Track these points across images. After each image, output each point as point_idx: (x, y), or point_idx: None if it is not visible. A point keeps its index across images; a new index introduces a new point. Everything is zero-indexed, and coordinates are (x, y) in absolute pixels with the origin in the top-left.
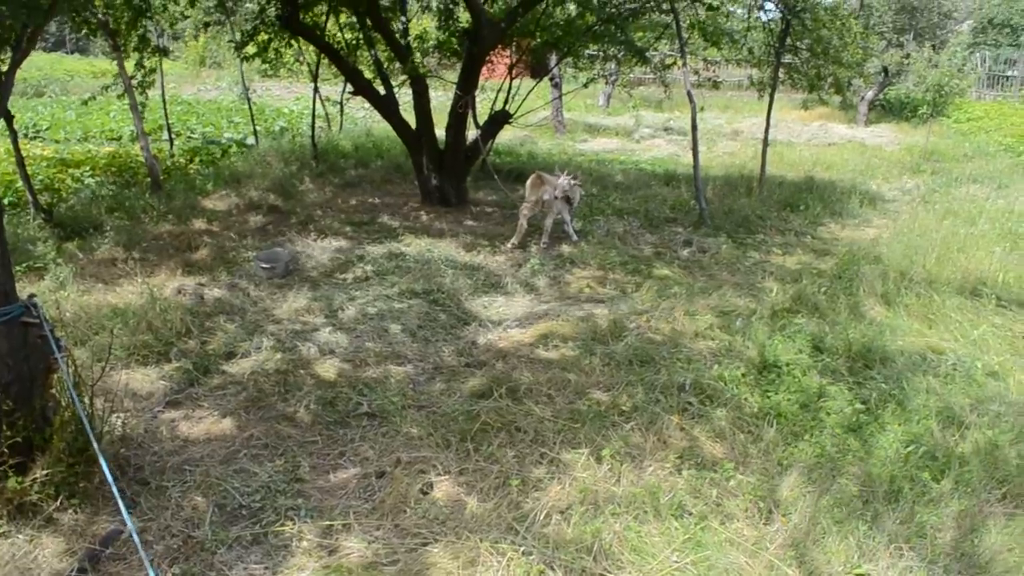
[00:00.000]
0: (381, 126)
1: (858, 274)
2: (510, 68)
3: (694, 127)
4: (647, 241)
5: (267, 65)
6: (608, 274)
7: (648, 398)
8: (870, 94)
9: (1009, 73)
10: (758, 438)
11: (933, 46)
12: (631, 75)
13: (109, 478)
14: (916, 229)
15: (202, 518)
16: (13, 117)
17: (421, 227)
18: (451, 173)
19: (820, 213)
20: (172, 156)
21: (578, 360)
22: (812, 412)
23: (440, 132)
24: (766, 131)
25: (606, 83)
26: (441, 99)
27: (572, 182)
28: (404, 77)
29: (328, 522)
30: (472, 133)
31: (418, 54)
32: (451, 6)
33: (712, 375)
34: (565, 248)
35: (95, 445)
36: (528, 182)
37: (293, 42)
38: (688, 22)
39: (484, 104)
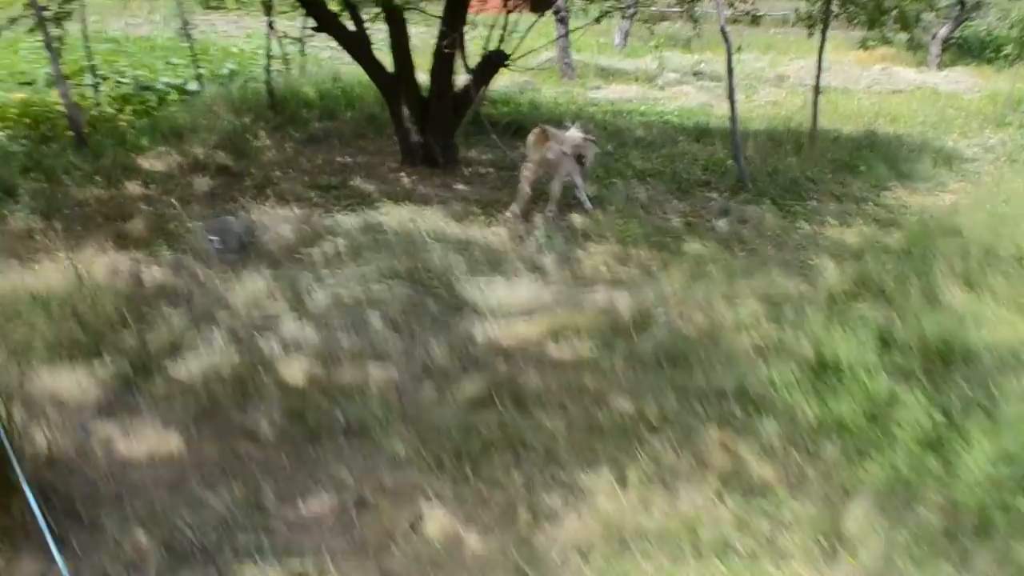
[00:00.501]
0: (351, 68)
1: (933, 250)
2: None
3: (730, 71)
4: (675, 209)
5: None
6: (629, 250)
7: (682, 407)
8: (943, 31)
9: None
10: (816, 457)
11: None
12: (653, 8)
13: (36, 510)
14: (1002, 194)
15: (146, 559)
16: None
17: (402, 192)
18: (437, 127)
19: (884, 175)
20: (98, 105)
21: (596, 360)
22: (881, 424)
23: (423, 77)
24: (817, 76)
25: (622, 18)
26: (423, 36)
27: (584, 137)
28: (377, 10)
29: (298, 564)
30: (462, 78)
31: None
32: None
33: (759, 378)
34: (577, 218)
35: (17, 469)
36: (530, 137)
37: None
38: None
39: (475, 43)
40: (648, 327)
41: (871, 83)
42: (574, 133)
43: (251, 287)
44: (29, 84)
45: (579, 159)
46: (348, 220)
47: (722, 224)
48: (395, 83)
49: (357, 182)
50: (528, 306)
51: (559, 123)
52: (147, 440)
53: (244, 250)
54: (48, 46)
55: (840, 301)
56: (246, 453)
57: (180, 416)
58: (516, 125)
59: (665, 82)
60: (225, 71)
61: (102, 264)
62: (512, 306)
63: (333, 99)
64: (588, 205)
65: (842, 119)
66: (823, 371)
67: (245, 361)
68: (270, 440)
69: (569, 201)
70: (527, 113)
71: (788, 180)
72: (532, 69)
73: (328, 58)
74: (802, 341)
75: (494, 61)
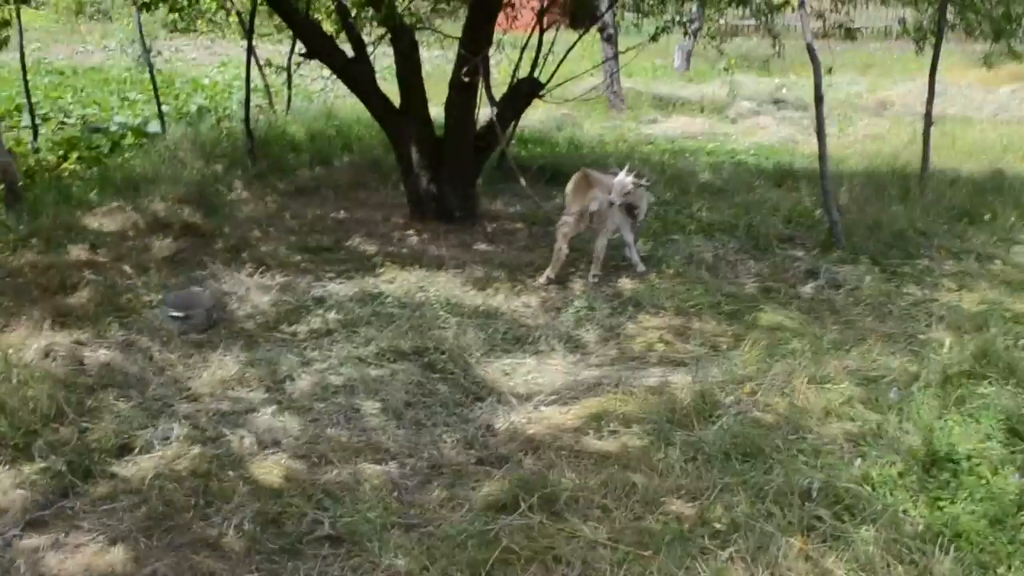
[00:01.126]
0: (349, 103)
1: None
2: (540, 13)
3: (819, 99)
4: (750, 271)
5: (177, 15)
6: (692, 322)
7: (755, 511)
8: None
9: None
10: (927, 572)
11: None
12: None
13: None
14: None
15: None
16: None
17: (410, 254)
18: (454, 173)
19: (1015, 225)
20: (37, 151)
21: (647, 453)
22: (1009, 531)
23: (437, 112)
24: (929, 102)
25: (684, 35)
26: (438, 61)
27: (636, 183)
28: (381, 30)
29: None
30: (485, 113)
31: None
32: None
33: (853, 475)
34: (626, 283)
35: None
36: (569, 185)
37: None
38: None
39: (502, 69)
40: (714, 414)
41: (997, 110)
42: (623, 178)
43: (220, 372)
44: None
45: (630, 210)
46: (343, 289)
47: (809, 289)
48: (403, 120)
49: (355, 242)
50: (563, 390)
51: (605, 166)
52: (84, 554)
53: (213, 327)
54: None
55: (957, 382)
56: (208, 569)
57: (127, 524)
58: (552, 170)
59: (738, 113)
60: (193, 108)
61: (36, 346)
62: (543, 390)
63: (326, 141)
64: (640, 267)
65: (961, 156)
66: (934, 466)
67: (210, 458)
68: (238, 552)
69: (617, 262)
70: (565, 155)
71: (892, 234)
72: (572, 100)
73: (321, 90)
74: (908, 430)
75: (525, 91)
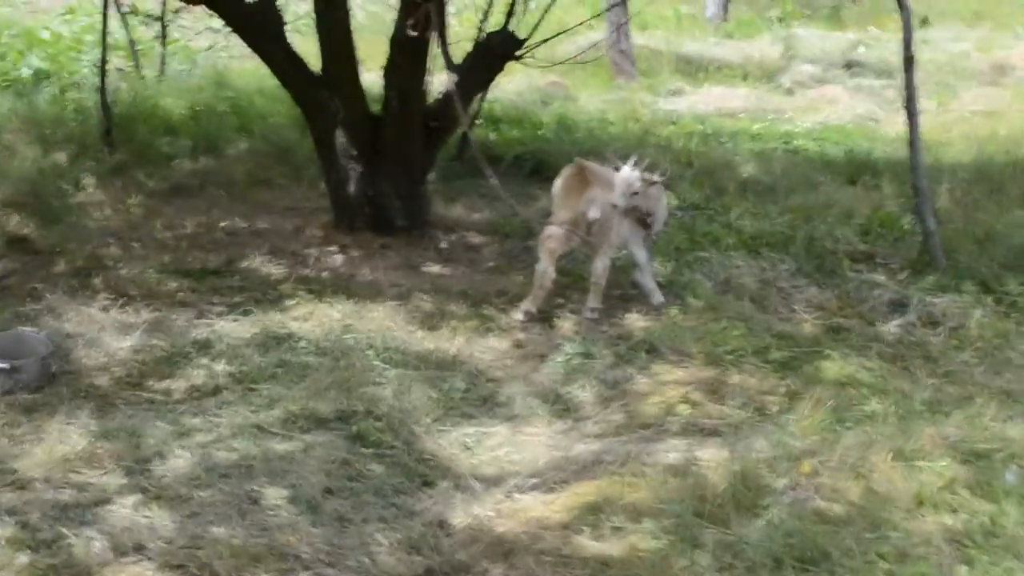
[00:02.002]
0: (248, 68)
1: None
2: None
3: (909, 60)
4: (811, 303)
5: None
6: (728, 375)
7: None
8: None
9: None
10: None
11: None
12: None
13: None
14: None
15: None
16: None
17: (332, 280)
18: (396, 165)
19: None
20: None
21: (665, 560)
22: None
23: (373, 79)
24: None
25: None
26: (374, 8)
27: (650, 179)
28: None
29: None
30: (440, 81)
31: None
32: None
33: None
34: (637, 320)
35: None
36: (559, 182)
37: None
38: None
39: (465, 19)
40: (759, 504)
41: None
42: (631, 173)
43: (61, 447)
44: None
45: (642, 219)
46: (237, 329)
47: (894, 328)
48: (324, 91)
49: (255, 263)
50: (547, 471)
51: (604, 158)
52: None
53: (50, 383)
54: None
55: None
56: None
57: None
58: (534, 161)
59: (795, 81)
60: (26, 72)
61: None
62: (519, 471)
63: (216, 120)
64: (656, 297)
65: None
66: None
67: (43, 570)
68: None
69: (623, 291)
70: (553, 140)
71: (1011, 250)
72: (563, 63)
73: (209, 49)
74: None
75: (496, 51)
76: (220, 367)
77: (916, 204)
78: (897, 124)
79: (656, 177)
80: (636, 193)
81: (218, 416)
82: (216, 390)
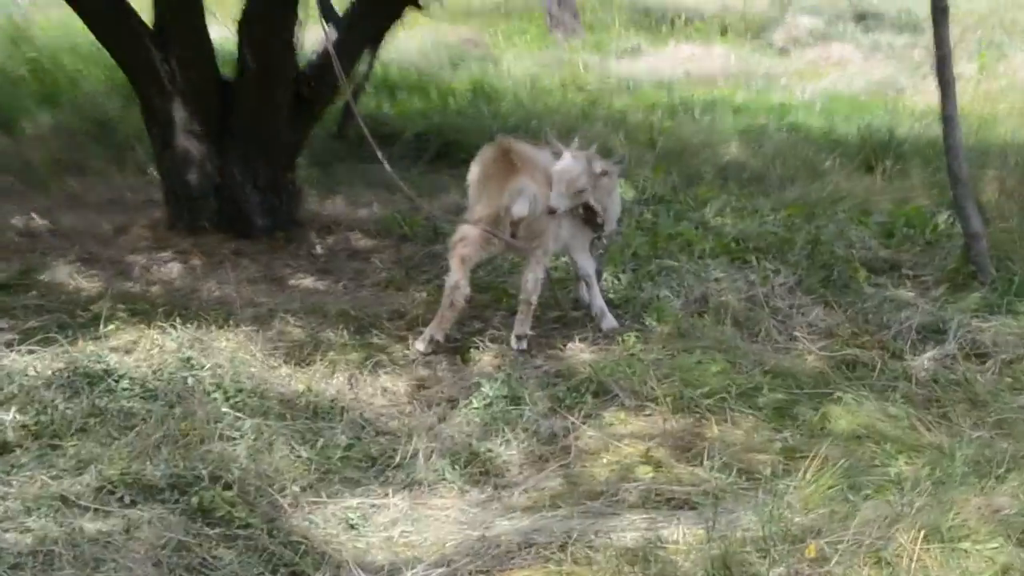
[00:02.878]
0: (56, 18)
1: None
2: None
3: (940, 10)
4: (816, 327)
5: None
6: (704, 426)
7: None
8: None
9: None
10: None
11: None
12: None
13: None
14: None
15: None
16: None
17: (165, 298)
18: (254, 144)
19: None
20: None
21: None
22: None
23: (224, 34)
24: None
25: None
26: None
27: (595, 164)
28: None
29: None
30: (315, 36)
31: None
32: None
33: None
34: (581, 351)
35: None
36: (475, 168)
37: None
38: None
39: None
40: None
41: None
42: (574, 163)
43: None
44: None
45: (589, 216)
46: (33, 363)
47: (927, 362)
48: (156, 48)
49: (59, 274)
50: (459, 556)
51: (545, 137)
52: None
53: None
54: None
55: None
56: None
57: None
58: (441, 140)
59: (791, 37)
60: None
61: None
62: (422, 558)
63: (8, 88)
64: (607, 321)
65: None
66: None
67: None
68: None
69: (562, 312)
70: (468, 113)
71: None
72: (481, 14)
73: None
74: None
75: None
76: (9, 416)
77: (953, 197)
78: (926, 94)
79: (609, 166)
80: (582, 191)
81: (6, 484)
82: (4, 448)
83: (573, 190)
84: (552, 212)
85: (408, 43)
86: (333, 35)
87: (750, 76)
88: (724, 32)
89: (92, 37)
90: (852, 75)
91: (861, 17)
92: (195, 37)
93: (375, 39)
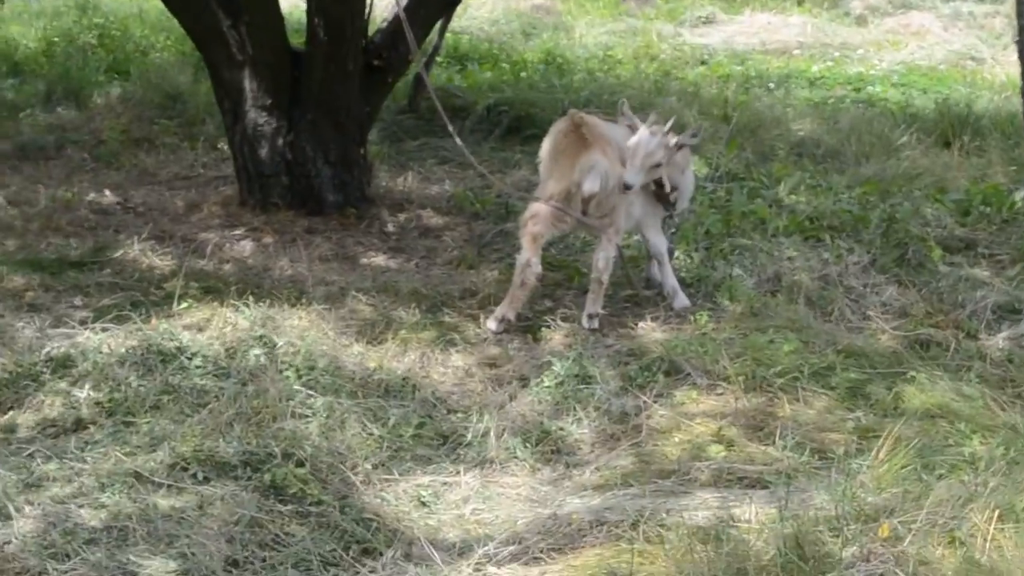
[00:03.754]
0: None
1: None
2: None
3: None
4: (891, 307)
5: None
6: (776, 404)
7: None
8: None
9: None
10: None
11: None
12: None
13: None
14: None
15: None
16: None
17: (238, 274)
18: (324, 120)
19: None
20: None
21: None
22: None
23: (293, 2)
24: None
25: None
26: None
27: (671, 138)
28: None
29: None
30: (384, 5)
31: None
32: None
33: None
34: (653, 330)
35: None
36: (547, 143)
37: None
38: None
39: None
40: None
41: None
42: (651, 137)
43: None
44: None
45: (661, 193)
46: (107, 341)
47: (1003, 341)
48: (225, 18)
49: (132, 251)
50: (531, 534)
51: (621, 111)
52: None
53: None
54: None
55: None
56: None
57: None
58: (513, 113)
59: (868, 6)
60: None
61: None
62: (494, 535)
63: (77, 57)
64: (679, 300)
65: None
66: None
67: None
68: None
69: (635, 290)
70: (540, 85)
71: None
72: None
73: None
74: None
75: None
76: (84, 393)
77: None
78: (1007, 65)
79: (687, 139)
80: (658, 165)
81: (81, 460)
82: (78, 425)
83: (649, 164)
84: (627, 188)
85: (479, 11)
86: (404, 2)
87: (826, 46)
88: (801, 0)
89: (160, 5)
90: (931, 45)
91: None
92: (265, 3)
93: (448, 6)
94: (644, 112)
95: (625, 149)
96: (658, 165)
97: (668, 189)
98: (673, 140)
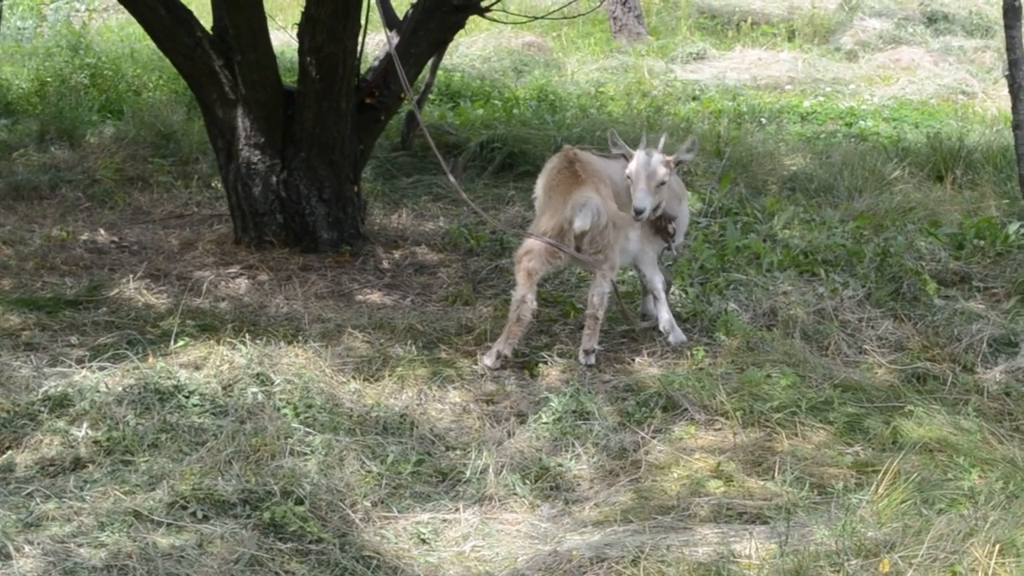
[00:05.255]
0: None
1: None
2: None
3: (1013, 11)
4: (886, 341)
5: None
6: (774, 439)
7: None
8: None
9: None
10: None
11: None
12: None
13: None
14: None
15: None
16: None
17: (233, 314)
18: (317, 157)
19: None
20: None
21: None
22: None
23: (285, 41)
24: None
25: None
26: None
27: (667, 168)
28: None
29: None
30: (377, 42)
31: None
32: None
33: None
34: (650, 366)
35: None
36: (542, 179)
37: None
38: None
39: None
40: None
41: None
42: (653, 156)
43: None
44: None
45: (659, 228)
46: (104, 380)
47: (1000, 375)
48: (218, 57)
49: (127, 290)
50: (531, 570)
51: (605, 144)
52: None
53: None
54: None
55: None
56: None
57: None
58: (506, 150)
59: (859, 41)
60: None
61: None
62: (494, 571)
63: (70, 96)
64: (676, 335)
65: None
66: None
67: None
68: None
69: (631, 326)
70: (532, 122)
71: None
72: (544, 18)
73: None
74: None
75: (453, 2)
76: (82, 432)
77: None
78: (998, 99)
79: (683, 154)
80: (663, 183)
81: (80, 499)
82: (77, 464)
83: (655, 184)
84: (639, 213)
85: (471, 49)
86: (396, 40)
87: (817, 81)
88: (792, 36)
89: (152, 44)
90: (922, 80)
91: (931, 20)
92: (257, 42)
93: (438, 45)
94: (637, 141)
95: (622, 180)
96: (664, 182)
97: (670, 228)
98: (670, 157)
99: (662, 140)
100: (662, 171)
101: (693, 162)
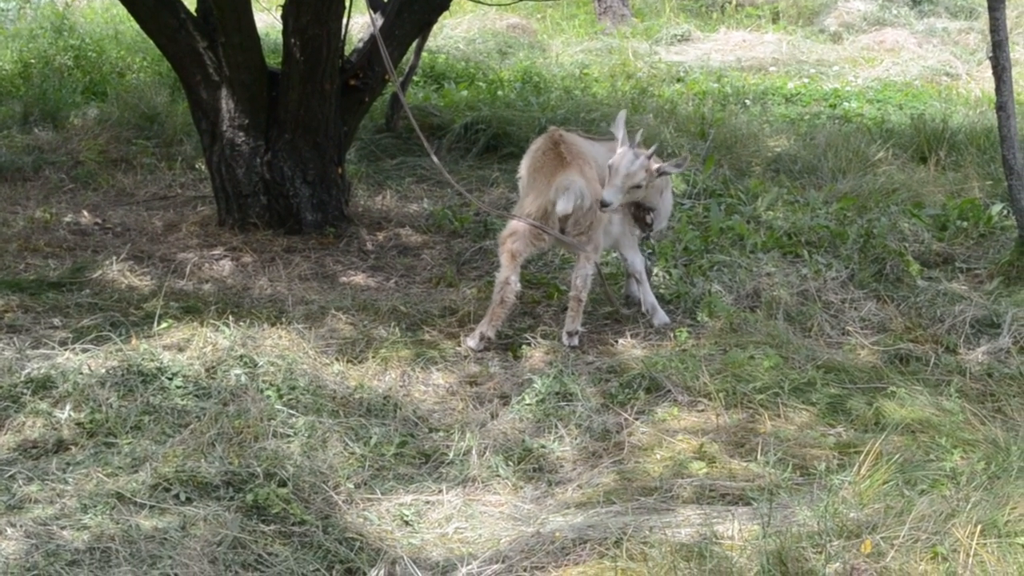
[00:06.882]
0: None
1: None
2: None
3: None
4: (869, 322)
5: None
6: (757, 420)
7: None
8: None
9: None
10: None
11: None
12: None
13: None
14: None
15: None
16: None
17: (217, 293)
18: (301, 139)
19: None
20: None
21: None
22: None
23: (269, 20)
24: None
25: None
26: None
27: (652, 164)
28: None
29: None
30: (361, 23)
31: None
32: None
33: None
34: (633, 347)
35: None
36: (526, 161)
37: None
38: None
39: None
40: None
41: None
42: (635, 159)
43: None
44: None
45: (640, 213)
46: (87, 362)
47: (981, 356)
48: (202, 38)
49: (111, 272)
50: (514, 553)
51: (590, 127)
52: None
53: None
54: None
55: None
56: None
57: None
58: (490, 132)
59: (843, 23)
60: None
61: None
62: (477, 553)
63: (54, 78)
64: (659, 317)
65: None
66: None
67: None
68: None
69: (614, 307)
70: (517, 104)
71: None
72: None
73: None
74: None
75: None
76: (64, 414)
77: (1008, 189)
78: (982, 81)
79: (670, 167)
80: (638, 187)
81: (63, 481)
82: (60, 446)
83: (628, 185)
84: (604, 206)
85: (455, 31)
86: (380, 22)
87: (802, 63)
88: (776, 18)
89: (136, 26)
90: (906, 61)
91: (915, 1)
92: (241, 24)
93: (423, 27)
94: (633, 133)
95: (605, 167)
96: (639, 187)
97: (649, 219)
98: (655, 166)
99: (654, 147)
100: (640, 176)
101: (684, 169)
